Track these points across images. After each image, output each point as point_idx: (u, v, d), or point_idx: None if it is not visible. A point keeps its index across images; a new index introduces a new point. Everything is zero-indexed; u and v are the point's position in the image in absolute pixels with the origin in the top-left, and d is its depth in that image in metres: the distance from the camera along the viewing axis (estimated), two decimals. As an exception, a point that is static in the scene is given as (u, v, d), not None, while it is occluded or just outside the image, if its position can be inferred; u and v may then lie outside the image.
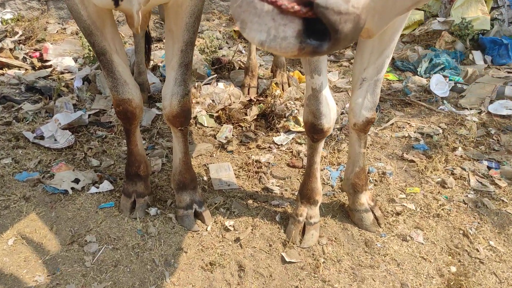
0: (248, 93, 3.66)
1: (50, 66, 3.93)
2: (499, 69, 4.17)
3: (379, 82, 2.00)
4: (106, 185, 2.41)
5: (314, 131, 1.95)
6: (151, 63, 4.08)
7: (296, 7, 0.60)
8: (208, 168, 2.68)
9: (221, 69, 4.14)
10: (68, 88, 3.51)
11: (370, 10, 1.52)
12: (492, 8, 4.76)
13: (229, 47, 5.02)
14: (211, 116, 3.31)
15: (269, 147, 2.94)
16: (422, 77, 4.01)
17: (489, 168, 2.70)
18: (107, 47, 1.78)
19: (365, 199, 2.23)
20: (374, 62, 1.94)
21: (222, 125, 3.18)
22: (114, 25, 1.82)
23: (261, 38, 0.63)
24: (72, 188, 2.36)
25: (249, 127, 3.19)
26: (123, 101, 1.94)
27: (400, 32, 1.90)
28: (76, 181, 2.41)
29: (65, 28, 4.90)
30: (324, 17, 0.60)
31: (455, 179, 2.58)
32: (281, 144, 2.96)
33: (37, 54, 4.16)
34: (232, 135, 3.06)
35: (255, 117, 3.29)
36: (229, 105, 3.43)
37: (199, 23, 1.87)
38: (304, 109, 1.98)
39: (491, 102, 3.53)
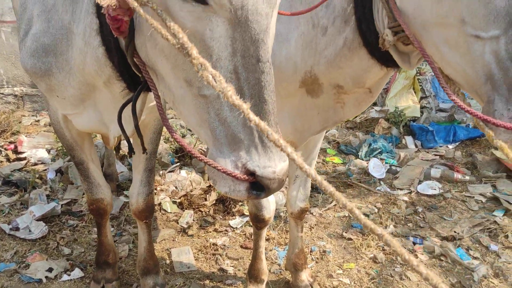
0: (208, 179, 4.08)
1: (25, 158, 4.25)
2: (428, 152, 4.78)
3: (308, 179, 2.45)
4: (77, 273, 2.70)
5: (257, 221, 2.35)
6: (120, 152, 4.47)
7: (246, 177, 1.04)
8: (170, 252, 3.01)
9: (184, 156, 4.56)
10: (41, 179, 3.83)
11: (293, 132, 2.03)
12: (421, 98, 5.49)
13: (192, 135, 5.50)
14: (174, 202, 3.68)
15: (226, 230, 3.30)
16: (362, 160, 4.56)
17: (414, 243, 3.15)
18: (84, 158, 2.18)
19: (305, 276, 2.60)
20: (303, 163, 2.41)
21: (184, 211, 3.55)
22: (91, 140, 2.23)
23: (225, 190, 1.08)
24: (46, 277, 2.64)
25: (208, 211, 3.57)
26: (96, 200, 2.31)
27: (321, 142, 2.40)
28: (50, 269, 2.69)
29: (38, 120, 5.28)
30: (261, 181, 1.04)
31: (385, 255, 3.00)
32: (236, 227, 3.34)
33: (12, 146, 4.49)
34: (193, 220, 3.42)
35: (214, 202, 3.68)
36: (191, 191, 3.82)
37: (161, 136, 2.31)
38: (249, 202, 2.40)
39: (420, 182, 4.07)
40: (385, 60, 1.55)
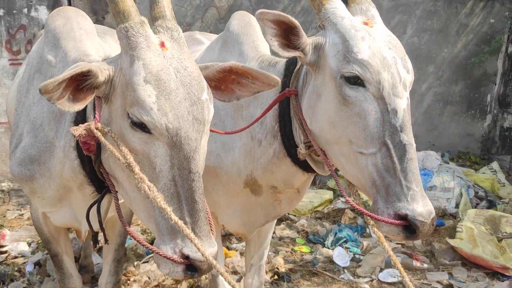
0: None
1: (6, 251, 4.44)
2: (390, 241, 5.06)
3: (262, 267, 2.73)
4: None
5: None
6: (98, 245, 4.68)
7: (182, 260, 1.36)
8: None
9: (159, 248, 4.78)
10: (20, 272, 4.01)
11: (242, 225, 2.37)
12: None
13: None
14: (146, 292, 3.86)
15: (193, 319, 3.47)
16: (329, 249, 4.81)
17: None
18: (59, 250, 2.46)
19: None
20: (257, 252, 2.70)
21: (155, 301, 3.72)
22: (67, 234, 2.53)
23: (166, 271, 1.40)
24: None
25: (179, 301, 3.74)
26: (68, 290, 2.55)
27: (271, 232, 2.72)
28: None
29: (22, 214, 5.53)
30: (193, 263, 1.39)
31: None
32: (204, 316, 3.51)
33: (-6, 239, 4.69)
34: (163, 309, 3.59)
35: (184, 291, 3.86)
36: (163, 281, 4.01)
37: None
38: (209, 288, 2.65)
39: (381, 270, 4.31)
40: (305, 167, 1.94)
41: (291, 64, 1.95)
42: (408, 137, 1.56)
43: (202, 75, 1.54)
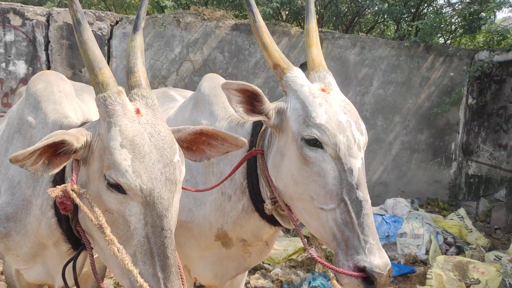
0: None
1: (-28, 308, 4.32)
2: (363, 288, 5.12)
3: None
4: None
5: None
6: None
7: None
8: None
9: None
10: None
11: (214, 277, 2.43)
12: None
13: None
14: None
15: None
16: (303, 298, 4.84)
17: None
18: (30, 306, 2.46)
19: None
20: (234, 301, 2.75)
21: None
22: (38, 289, 2.54)
23: None
24: None
25: None
26: None
27: (243, 282, 2.78)
28: None
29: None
30: None
31: None
32: None
33: (-39, 296, 4.55)
34: None
35: None
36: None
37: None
38: None
39: (354, 318, 4.35)
40: (272, 221, 2.05)
41: (257, 125, 2.11)
42: (363, 194, 1.71)
43: (175, 138, 1.67)
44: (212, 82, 2.43)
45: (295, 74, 1.89)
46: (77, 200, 1.53)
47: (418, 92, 6.64)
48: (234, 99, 1.83)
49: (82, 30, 1.59)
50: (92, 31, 5.37)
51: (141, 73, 1.73)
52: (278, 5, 5.69)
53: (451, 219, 6.33)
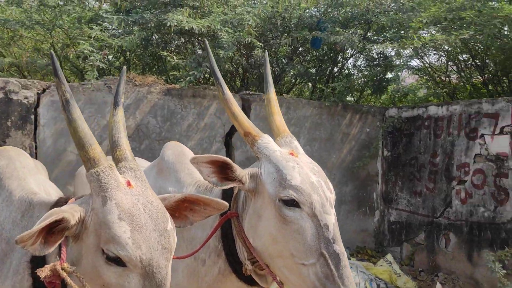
0: None
1: None
2: None
3: None
4: None
5: None
6: None
7: None
8: None
9: None
10: None
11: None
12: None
13: None
14: None
15: None
16: None
17: None
18: None
19: None
20: None
21: None
22: None
23: None
24: None
25: None
26: None
27: None
28: None
29: None
30: None
31: None
32: None
33: None
34: None
35: None
36: None
37: None
38: None
39: None
40: (250, 281, 2.13)
41: (228, 189, 2.22)
42: (340, 247, 1.87)
43: None
44: (176, 149, 2.53)
45: (267, 141, 2.06)
46: (68, 280, 1.52)
47: (340, 148, 7.14)
48: (205, 171, 1.94)
49: (71, 109, 1.65)
50: (17, 100, 5.23)
51: (126, 146, 1.79)
52: (209, 69, 5.95)
53: (381, 265, 6.70)
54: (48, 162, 4.90)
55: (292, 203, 1.89)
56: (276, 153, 2.01)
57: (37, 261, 1.72)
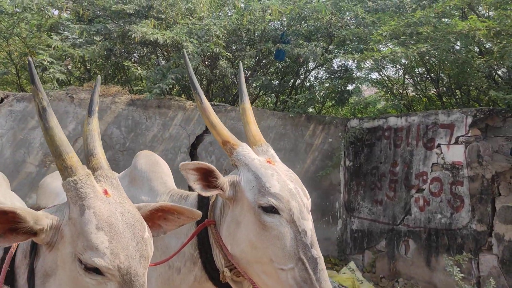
0: None
1: None
2: None
3: None
4: None
5: None
6: None
7: None
8: None
9: None
10: None
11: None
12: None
13: None
14: None
15: None
16: None
17: None
18: None
19: None
20: None
21: None
22: None
23: None
24: None
25: None
26: None
27: None
28: None
29: None
30: None
31: None
32: None
33: None
34: None
35: None
36: None
37: None
38: None
39: None
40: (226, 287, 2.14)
41: (203, 197, 2.22)
42: (317, 252, 1.91)
43: None
44: (149, 159, 2.51)
45: (245, 150, 2.09)
46: None
47: (304, 158, 7.26)
48: (192, 178, 1.95)
49: (48, 117, 1.62)
50: (-26, 109, 5.01)
51: (101, 155, 1.78)
52: (174, 81, 5.93)
53: (344, 273, 6.83)
54: (6, 174, 4.71)
55: (272, 210, 1.92)
56: (254, 161, 2.05)
57: None
